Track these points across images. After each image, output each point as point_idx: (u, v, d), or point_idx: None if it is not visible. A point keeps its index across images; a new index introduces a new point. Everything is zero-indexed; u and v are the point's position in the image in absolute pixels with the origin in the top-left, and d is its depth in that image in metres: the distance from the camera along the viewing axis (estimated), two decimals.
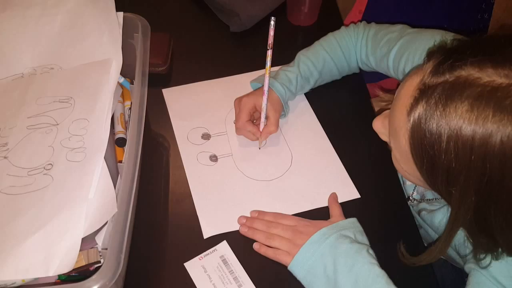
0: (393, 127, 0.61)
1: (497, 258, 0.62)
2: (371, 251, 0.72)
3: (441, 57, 0.56)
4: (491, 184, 0.52)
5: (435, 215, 0.77)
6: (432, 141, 0.54)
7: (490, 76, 0.51)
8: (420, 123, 0.54)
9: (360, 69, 0.99)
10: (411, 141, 0.57)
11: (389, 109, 0.67)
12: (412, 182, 0.67)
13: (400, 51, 0.83)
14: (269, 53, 0.83)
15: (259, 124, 0.88)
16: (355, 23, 0.97)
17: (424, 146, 0.55)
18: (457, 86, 0.52)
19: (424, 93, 0.55)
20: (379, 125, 0.70)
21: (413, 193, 0.86)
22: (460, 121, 0.51)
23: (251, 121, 0.89)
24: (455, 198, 0.56)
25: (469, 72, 0.52)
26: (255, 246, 0.77)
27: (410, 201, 0.86)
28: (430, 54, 0.58)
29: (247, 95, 0.90)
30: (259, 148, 0.90)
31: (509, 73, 0.50)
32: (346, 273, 0.69)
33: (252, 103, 0.88)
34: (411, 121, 0.56)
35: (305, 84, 0.94)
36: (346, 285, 0.68)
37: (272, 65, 0.85)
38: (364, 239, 0.75)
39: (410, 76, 0.60)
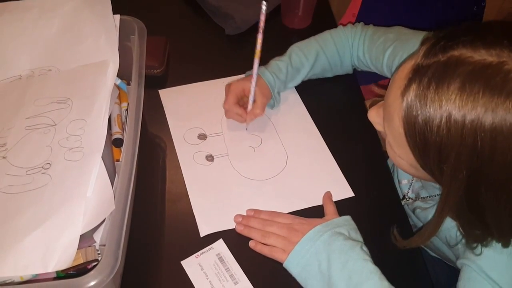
0: (387, 111, 0.63)
1: (486, 245, 0.63)
2: (364, 248, 0.73)
3: (434, 40, 0.57)
4: (482, 159, 0.54)
5: (429, 212, 0.79)
6: (425, 120, 0.55)
7: (482, 55, 0.53)
8: (414, 102, 0.56)
9: (354, 69, 1.01)
10: (405, 121, 0.58)
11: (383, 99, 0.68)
12: (404, 170, 0.68)
13: (394, 51, 0.85)
14: (260, 36, 0.84)
15: (246, 107, 0.91)
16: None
17: (418, 125, 0.56)
18: (449, 65, 0.54)
19: (417, 73, 0.56)
20: (374, 115, 0.71)
21: (408, 192, 0.88)
22: (452, 99, 0.53)
23: (239, 104, 0.92)
24: (446, 175, 0.57)
25: (461, 52, 0.54)
26: (251, 244, 0.78)
27: (405, 199, 0.88)
28: (423, 41, 0.60)
29: (238, 80, 0.92)
30: (246, 129, 0.94)
31: (500, 52, 0.52)
32: (340, 269, 0.70)
33: (240, 87, 0.90)
34: (405, 101, 0.57)
35: (295, 74, 0.96)
36: (340, 281, 0.69)
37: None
38: (358, 236, 0.76)
39: (404, 62, 0.62)
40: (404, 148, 0.61)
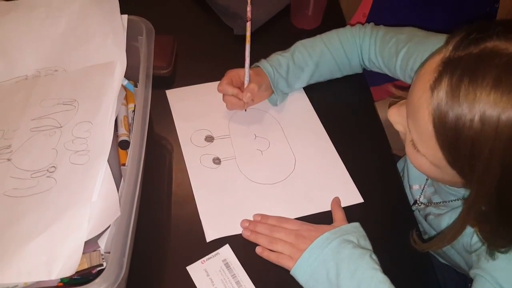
0: (412, 107, 0.60)
1: (506, 252, 0.62)
2: (374, 256, 0.72)
3: (464, 33, 0.55)
4: None
5: (442, 219, 0.77)
6: (457, 114, 0.53)
7: None
8: (445, 96, 0.53)
9: (364, 69, 0.99)
10: (435, 115, 0.55)
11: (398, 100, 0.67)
12: (424, 171, 0.65)
13: (409, 52, 0.83)
14: (248, 24, 0.89)
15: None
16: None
17: (449, 120, 0.54)
18: (483, 57, 0.52)
19: (448, 66, 0.54)
20: (395, 113, 0.67)
21: (420, 197, 0.86)
22: (486, 92, 0.50)
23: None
24: (477, 171, 0.55)
25: (495, 44, 0.52)
26: (258, 250, 0.76)
27: (417, 205, 0.86)
28: (451, 36, 0.57)
29: (234, 69, 0.92)
30: (245, 110, 0.94)
31: None
32: (348, 278, 0.69)
33: (236, 72, 0.91)
34: (435, 95, 0.55)
35: (298, 72, 0.94)
36: None
37: None
38: (367, 244, 0.75)
39: (430, 58, 0.59)
40: (431, 145, 0.58)
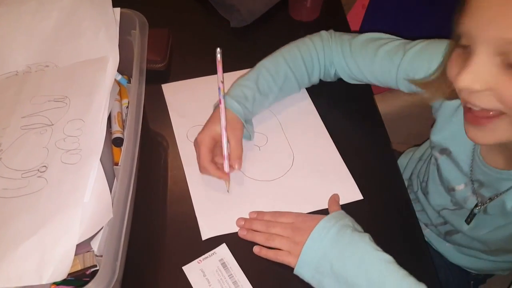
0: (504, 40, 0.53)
1: None
2: (371, 238, 0.71)
3: None
4: None
5: (505, 197, 0.72)
6: None
7: None
8: None
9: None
10: None
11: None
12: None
13: (422, 50, 0.80)
14: (221, 86, 0.79)
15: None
16: (358, 18, 0.95)
17: None
18: None
19: None
20: (470, 76, 0.56)
21: (474, 194, 0.79)
22: None
23: (214, 160, 0.82)
24: None
25: None
26: (255, 249, 0.75)
27: (478, 206, 0.79)
28: None
29: (202, 130, 0.82)
30: (228, 191, 0.82)
31: None
32: (355, 265, 0.67)
33: (208, 137, 0.80)
34: None
35: (263, 101, 0.88)
36: (358, 278, 0.67)
37: None
38: (359, 227, 0.74)
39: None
40: None
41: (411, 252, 0.77)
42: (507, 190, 0.72)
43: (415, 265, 0.75)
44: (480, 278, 1.01)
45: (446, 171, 0.83)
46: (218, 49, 0.77)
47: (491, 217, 0.77)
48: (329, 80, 0.95)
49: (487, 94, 0.56)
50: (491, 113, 0.58)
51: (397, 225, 0.80)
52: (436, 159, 0.84)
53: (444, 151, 0.81)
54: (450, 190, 0.83)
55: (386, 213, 0.82)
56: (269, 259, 0.74)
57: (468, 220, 0.81)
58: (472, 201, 0.79)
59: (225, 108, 0.81)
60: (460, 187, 0.81)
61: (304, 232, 0.72)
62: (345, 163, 0.86)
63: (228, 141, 0.81)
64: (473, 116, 0.60)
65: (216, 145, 0.82)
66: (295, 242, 0.73)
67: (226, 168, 0.81)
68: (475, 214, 0.80)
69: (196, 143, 0.82)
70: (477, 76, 0.55)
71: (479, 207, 0.78)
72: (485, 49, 0.54)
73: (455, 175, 0.81)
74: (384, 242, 0.75)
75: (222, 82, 0.77)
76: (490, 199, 0.76)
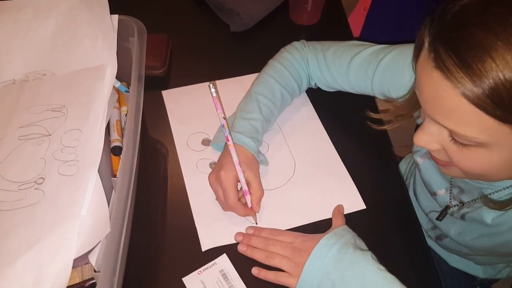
0: (436, 105, 0.56)
1: None
2: (374, 256, 0.69)
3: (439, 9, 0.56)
4: None
5: (482, 211, 0.73)
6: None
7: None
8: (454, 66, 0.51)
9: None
10: (465, 91, 0.51)
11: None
12: (479, 168, 0.60)
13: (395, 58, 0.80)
14: (224, 122, 0.73)
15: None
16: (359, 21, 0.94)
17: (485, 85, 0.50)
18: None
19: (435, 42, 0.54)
20: (421, 136, 0.61)
21: (450, 200, 0.81)
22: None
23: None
24: None
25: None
26: (254, 271, 0.73)
27: (451, 208, 0.81)
28: (423, 26, 0.58)
29: (223, 168, 0.77)
30: (256, 224, 0.79)
31: None
32: (358, 286, 0.66)
33: (232, 177, 0.76)
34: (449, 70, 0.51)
35: (268, 126, 0.87)
36: None
37: None
38: (362, 243, 0.72)
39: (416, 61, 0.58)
40: (475, 121, 0.53)
41: (415, 261, 0.76)
42: (485, 196, 0.71)
43: (419, 276, 0.74)
44: (486, 283, 1.00)
45: (428, 176, 0.83)
46: (210, 84, 0.70)
47: (475, 225, 0.77)
48: (312, 87, 0.95)
49: (443, 151, 0.61)
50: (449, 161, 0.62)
51: (400, 235, 0.79)
52: (417, 164, 0.84)
53: (427, 155, 0.81)
54: (432, 194, 0.84)
55: (389, 223, 0.80)
56: (270, 281, 0.72)
57: (440, 218, 0.83)
58: (453, 206, 0.80)
59: (237, 144, 0.78)
60: (441, 191, 0.81)
61: (305, 252, 0.71)
62: (347, 169, 0.85)
63: (246, 179, 0.78)
64: (436, 159, 0.65)
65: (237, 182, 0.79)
66: (295, 263, 0.71)
67: (249, 203, 0.78)
68: (446, 213, 0.81)
69: (219, 182, 0.77)
70: (432, 137, 0.60)
71: (453, 207, 0.80)
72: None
73: (436, 179, 0.82)
74: (386, 251, 0.74)
75: (225, 118, 0.73)
76: (467, 202, 0.76)
